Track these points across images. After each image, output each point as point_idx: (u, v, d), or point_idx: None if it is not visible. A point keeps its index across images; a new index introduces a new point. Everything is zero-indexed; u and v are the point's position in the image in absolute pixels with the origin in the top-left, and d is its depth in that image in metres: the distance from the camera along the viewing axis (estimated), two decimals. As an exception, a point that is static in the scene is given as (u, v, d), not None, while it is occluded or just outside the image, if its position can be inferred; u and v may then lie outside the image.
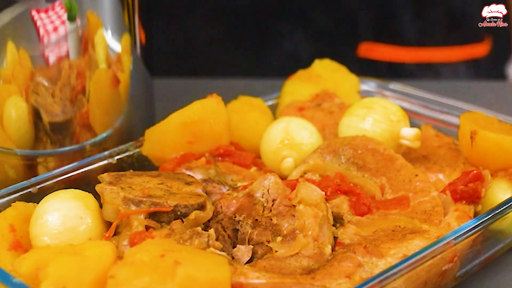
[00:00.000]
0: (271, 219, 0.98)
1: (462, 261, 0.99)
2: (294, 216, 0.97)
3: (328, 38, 1.75)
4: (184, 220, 0.96)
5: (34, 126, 1.17)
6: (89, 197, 0.99)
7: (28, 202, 1.02)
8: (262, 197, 0.99)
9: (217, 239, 0.96)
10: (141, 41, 1.26)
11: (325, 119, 1.26)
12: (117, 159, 1.15)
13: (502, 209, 1.01)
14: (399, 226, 0.99)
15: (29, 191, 1.05)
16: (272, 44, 1.76)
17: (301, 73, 1.40)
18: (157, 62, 1.58)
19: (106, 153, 1.15)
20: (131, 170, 1.10)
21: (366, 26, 1.72)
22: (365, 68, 1.69)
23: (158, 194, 0.98)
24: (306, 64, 1.53)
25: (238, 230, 0.99)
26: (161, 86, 1.46)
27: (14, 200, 1.02)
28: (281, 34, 1.75)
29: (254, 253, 0.97)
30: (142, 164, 1.16)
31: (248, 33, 1.76)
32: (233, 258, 0.96)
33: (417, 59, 1.76)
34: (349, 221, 1.02)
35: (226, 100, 1.20)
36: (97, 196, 1.00)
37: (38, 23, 1.12)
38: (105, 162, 1.14)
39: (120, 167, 1.14)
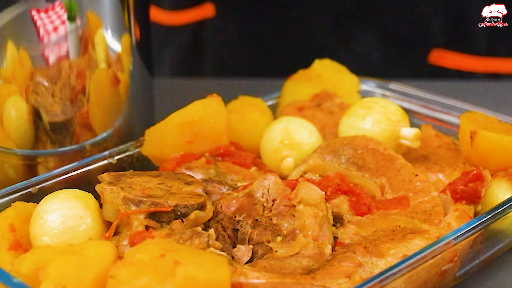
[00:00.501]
0: (271, 219, 0.98)
1: (462, 261, 0.99)
2: (294, 216, 0.97)
3: (400, 43, 1.74)
4: (184, 220, 0.96)
5: (34, 126, 1.17)
6: (89, 197, 0.99)
7: (28, 202, 1.02)
8: (262, 197, 0.99)
9: (217, 239, 0.96)
10: (141, 41, 1.26)
11: (325, 119, 1.26)
12: (117, 159, 1.15)
13: (502, 209, 1.01)
14: (399, 226, 0.99)
15: (29, 191, 1.05)
16: (343, 45, 1.75)
17: (301, 73, 1.40)
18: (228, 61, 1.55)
19: (106, 153, 1.15)
20: (131, 170, 1.10)
21: (439, 32, 1.71)
22: (434, 74, 1.70)
23: (158, 194, 0.98)
24: (377, 67, 1.53)
25: (238, 230, 0.99)
26: (161, 86, 1.46)
27: (14, 200, 1.02)
28: (353, 36, 1.75)
29: (254, 253, 0.97)
30: (142, 164, 1.16)
31: (319, 33, 1.75)
32: (233, 258, 0.96)
33: (486, 69, 1.75)
34: (349, 221, 1.02)
35: (226, 100, 1.20)
36: (97, 196, 1.00)
37: (38, 23, 1.12)
38: (105, 162, 1.14)
39: (120, 167, 1.14)
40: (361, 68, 1.50)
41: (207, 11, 1.82)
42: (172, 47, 1.88)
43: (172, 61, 1.90)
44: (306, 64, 1.41)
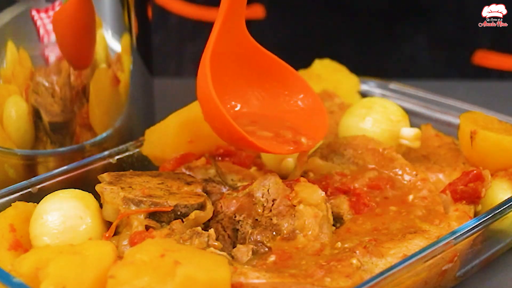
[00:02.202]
0: (271, 219, 0.98)
1: (462, 261, 0.99)
2: (294, 216, 0.97)
3: (447, 43, 1.75)
4: (184, 220, 0.96)
5: (34, 126, 1.17)
6: (89, 197, 0.99)
7: (28, 202, 1.01)
8: (262, 197, 0.99)
9: (217, 239, 0.96)
10: (141, 41, 1.26)
11: (325, 119, 1.26)
12: (117, 159, 1.15)
13: (502, 209, 1.01)
14: (399, 226, 0.99)
15: (29, 191, 1.05)
16: (393, 46, 1.76)
17: (301, 73, 1.39)
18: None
19: (106, 153, 1.15)
20: (131, 170, 1.10)
21: (484, 32, 1.72)
22: (477, 75, 1.70)
23: (158, 194, 0.98)
24: (424, 68, 1.53)
25: (238, 230, 0.99)
26: (161, 86, 1.46)
27: (14, 200, 1.02)
28: (403, 37, 1.75)
29: (254, 253, 0.97)
30: (142, 164, 1.16)
31: (370, 33, 1.76)
32: (233, 258, 0.96)
33: None
34: (349, 221, 1.02)
35: (226, 100, 1.20)
36: (97, 196, 1.00)
37: (38, 23, 1.12)
38: (105, 162, 1.14)
39: (120, 167, 1.14)
40: (409, 69, 1.51)
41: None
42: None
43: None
44: (306, 64, 1.41)
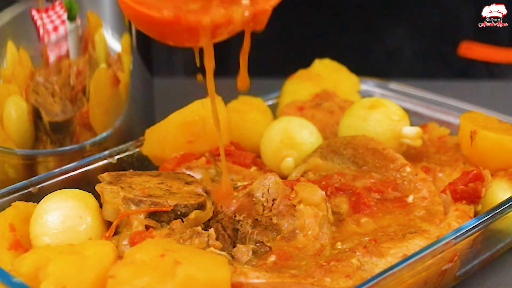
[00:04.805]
0: (271, 219, 0.98)
1: (462, 260, 0.99)
2: (294, 215, 0.97)
3: (430, 35, 1.75)
4: (184, 219, 0.96)
5: (34, 126, 1.18)
6: (89, 196, 0.99)
7: (28, 201, 1.02)
8: (262, 196, 0.99)
9: (217, 239, 0.96)
10: (141, 41, 1.26)
11: (325, 118, 1.26)
12: (117, 158, 1.15)
13: (502, 209, 1.01)
14: (399, 226, 0.99)
15: (29, 191, 1.05)
16: (374, 40, 1.75)
17: (301, 72, 1.40)
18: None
19: (106, 152, 1.15)
20: (131, 170, 1.10)
21: (468, 24, 1.71)
22: (463, 67, 1.70)
23: (158, 194, 0.98)
24: (408, 61, 1.51)
25: (238, 229, 0.99)
26: (161, 86, 1.46)
27: (14, 200, 1.02)
28: (383, 30, 1.75)
29: (254, 253, 0.97)
30: (142, 164, 1.16)
31: (350, 28, 1.75)
32: (233, 258, 0.96)
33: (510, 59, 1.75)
34: (349, 221, 1.02)
35: (226, 100, 1.20)
36: (97, 196, 1.00)
37: (38, 23, 1.12)
38: (105, 161, 1.14)
39: (120, 166, 1.14)
40: (394, 62, 1.51)
41: None
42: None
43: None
44: (306, 63, 1.41)
